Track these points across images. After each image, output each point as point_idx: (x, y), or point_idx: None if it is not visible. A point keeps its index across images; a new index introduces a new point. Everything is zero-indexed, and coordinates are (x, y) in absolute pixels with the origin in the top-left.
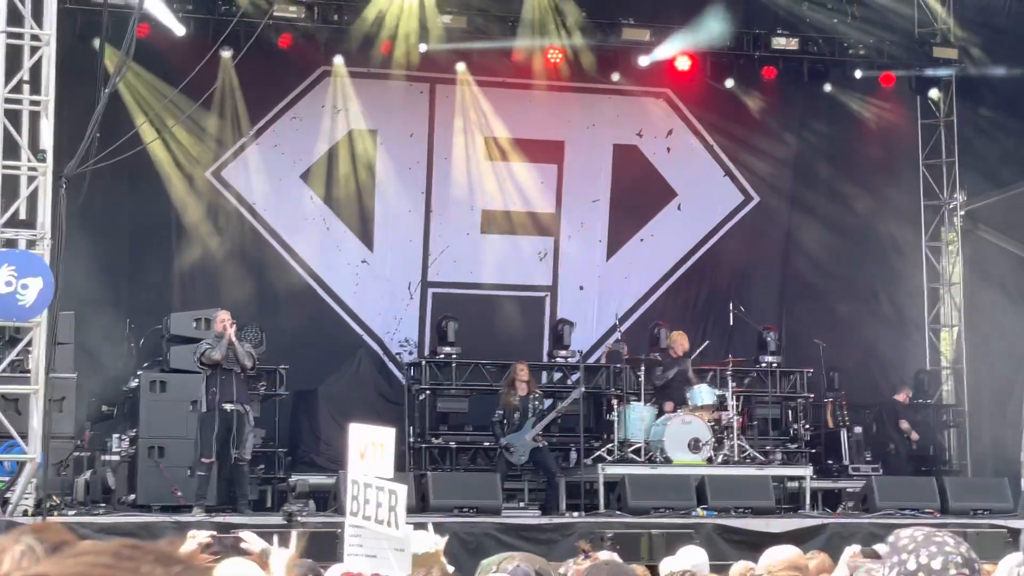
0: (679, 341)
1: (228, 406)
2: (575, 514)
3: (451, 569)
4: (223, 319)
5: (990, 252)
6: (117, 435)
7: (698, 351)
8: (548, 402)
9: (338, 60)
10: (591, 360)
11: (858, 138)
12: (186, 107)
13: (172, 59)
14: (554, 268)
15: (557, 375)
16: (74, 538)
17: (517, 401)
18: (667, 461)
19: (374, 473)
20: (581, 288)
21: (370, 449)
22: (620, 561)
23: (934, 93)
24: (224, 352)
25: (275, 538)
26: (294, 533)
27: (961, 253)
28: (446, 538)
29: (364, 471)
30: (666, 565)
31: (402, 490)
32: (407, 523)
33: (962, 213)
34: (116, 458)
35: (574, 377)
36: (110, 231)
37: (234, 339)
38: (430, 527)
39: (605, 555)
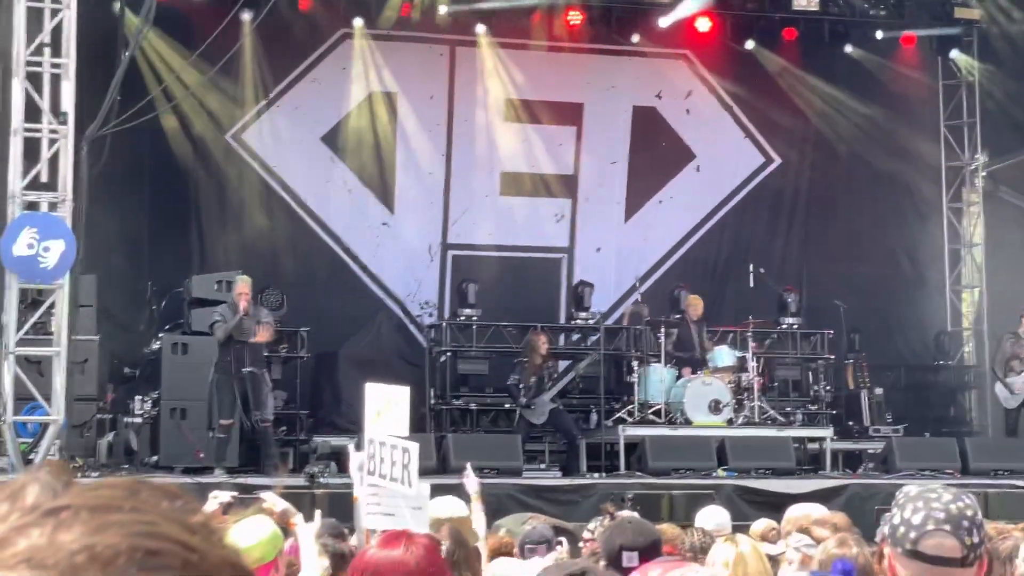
0: (695, 305)
1: (244, 369)
2: (596, 475)
3: (480, 533)
4: (240, 291)
5: (1011, 213)
6: (139, 397)
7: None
8: (563, 364)
9: (358, 22)
10: (607, 322)
11: (879, 99)
12: (206, 70)
13: (192, 22)
14: (571, 230)
15: (575, 336)
16: (74, 476)
17: (533, 369)
18: (687, 422)
19: (390, 432)
20: (598, 250)
21: (386, 408)
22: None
23: (955, 54)
24: (232, 330)
25: (299, 515)
26: (318, 512)
27: (982, 214)
28: (474, 509)
29: (380, 430)
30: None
31: (415, 448)
32: (427, 483)
33: (983, 174)
34: (138, 420)
35: (592, 339)
36: (131, 194)
37: (249, 313)
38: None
39: (627, 515)
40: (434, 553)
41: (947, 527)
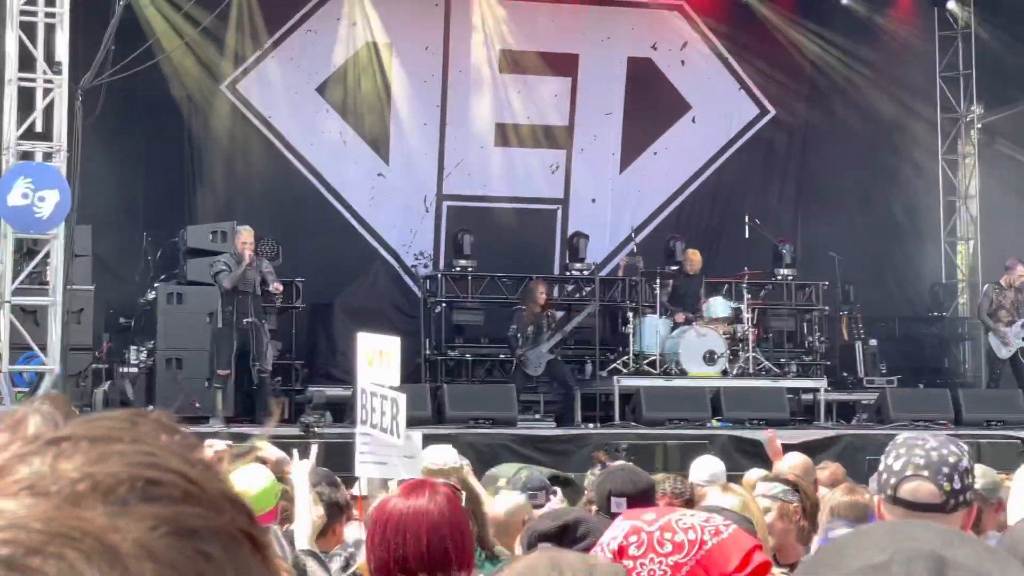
0: (692, 259)
1: (245, 320)
2: (590, 426)
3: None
4: (245, 241)
5: (1007, 165)
6: (135, 347)
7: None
8: (559, 314)
9: None
10: (603, 273)
11: (875, 50)
12: (201, 19)
13: None
14: (566, 181)
15: (570, 287)
16: (73, 408)
17: (531, 317)
18: (682, 373)
19: (382, 381)
20: (593, 201)
21: (377, 358)
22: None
23: (952, 4)
24: (237, 280)
25: (295, 450)
26: (314, 445)
27: (978, 166)
28: (466, 463)
29: (372, 379)
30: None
31: (402, 398)
32: (419, 432)
33: (979, 126)
34: (134, 370)
35: (587, 290)
36: (126, 144)
37: (252, 264)
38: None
39: (619, 464)
40: (455, 502)
41: (925, 472)
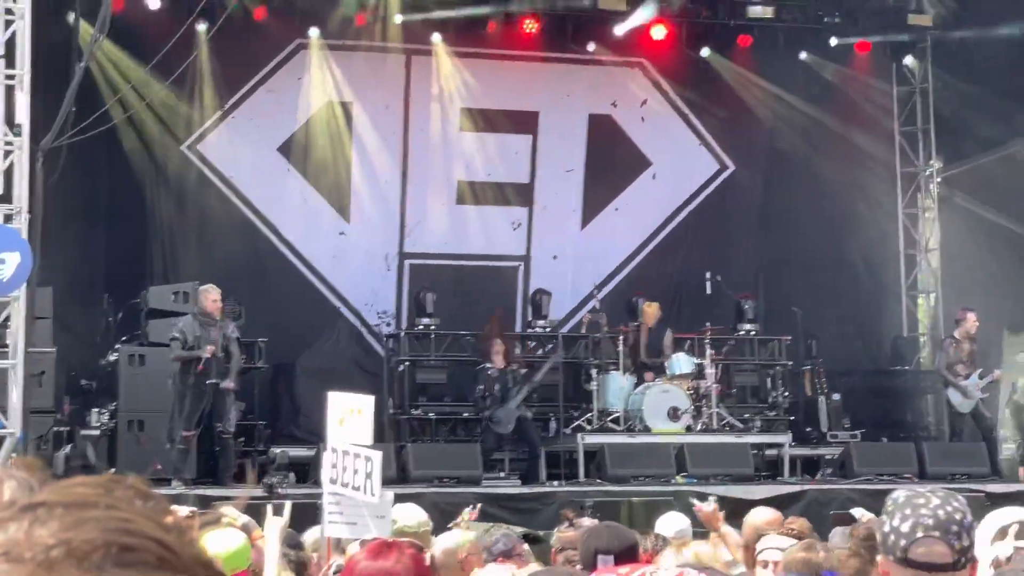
0: (647, 311)
1: (208, 381)
2: (555, 483)
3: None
4: (215, 299)
5: (966, 218)
6: (96, 409)
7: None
8: (523, 370)
9: (313, 32)
10: (564, 329)
11: (834, 106)
12: (162, 81)
13: (147, 32)
14: (528, 238)
15: (532, 344)
16: (49, 474)
17: (495, 374)
18: (646, 430)
19: (353, 440)
20: (555, 258)
21: (349, 416)
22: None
23: (909, 60)
24: (183, 357)
25: (269, 507)
26: (287, 504)
27: (938, 219)
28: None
29: (343, 438)
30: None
31: (377, 456)
32: (390, 492)
33: (938, 180)
34: (96, 432)
35: (550, 347)
36: (87, 205)
37: (203, 326)
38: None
39: (588, 522)
40: (420, 561)
41: (936, 533)
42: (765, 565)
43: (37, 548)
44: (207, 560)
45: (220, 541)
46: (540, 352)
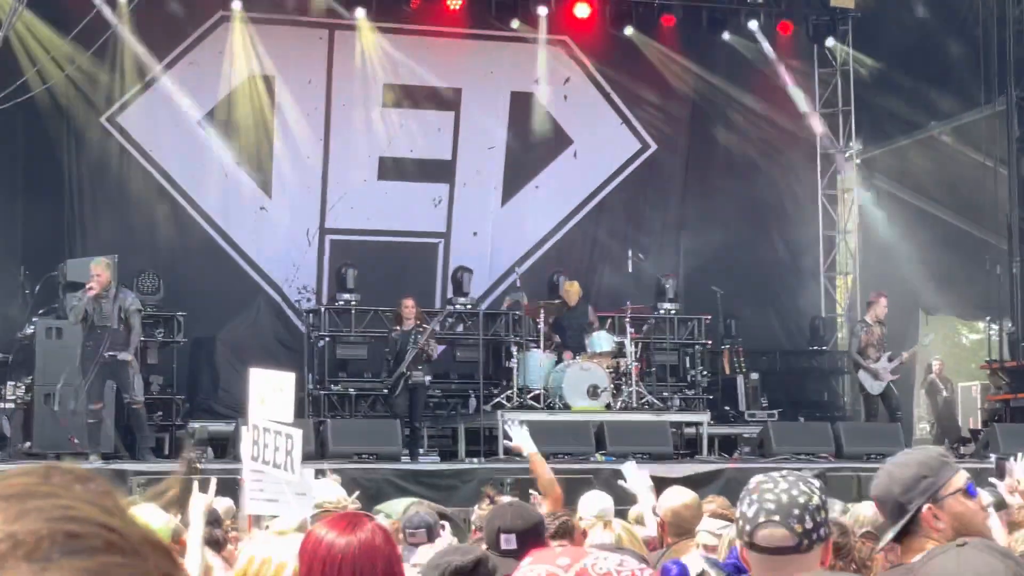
0: (569, 290)
1: (107, 353)
2: (474, 460)
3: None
4: (93, 273)
5: (885, 200)
6: (12, 382)
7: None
8: (440, 348)
9: (236, 5)
10: (483, 306)
11: (755, 87)
12: (82, 52)
13: (67, 3)
14: (448, 214)
15: (451, 321)
16: None
17: (398, 337)
18: (566, 407)
19: (274, 417)
20: (475, 234)
21: (270, 394)
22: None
23: (831, 42)
24: (79, 314)
25: (195, 482)
26: (212, 480)
27: (857, 201)
28: (354, 497)
29: (264, 416)
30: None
31: (298, 434)
32: (310, 468)
33: (858, 161)
34: (11, 405)
35: (470, 323)
36: (4, 177)
37: (103, 302)
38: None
39: (507, 500)
40: (385, 533)
41: (776, 517)
42: (708, 549)
43: None
44: (154, 539)
45: (143, 519)
46: (460, 329)
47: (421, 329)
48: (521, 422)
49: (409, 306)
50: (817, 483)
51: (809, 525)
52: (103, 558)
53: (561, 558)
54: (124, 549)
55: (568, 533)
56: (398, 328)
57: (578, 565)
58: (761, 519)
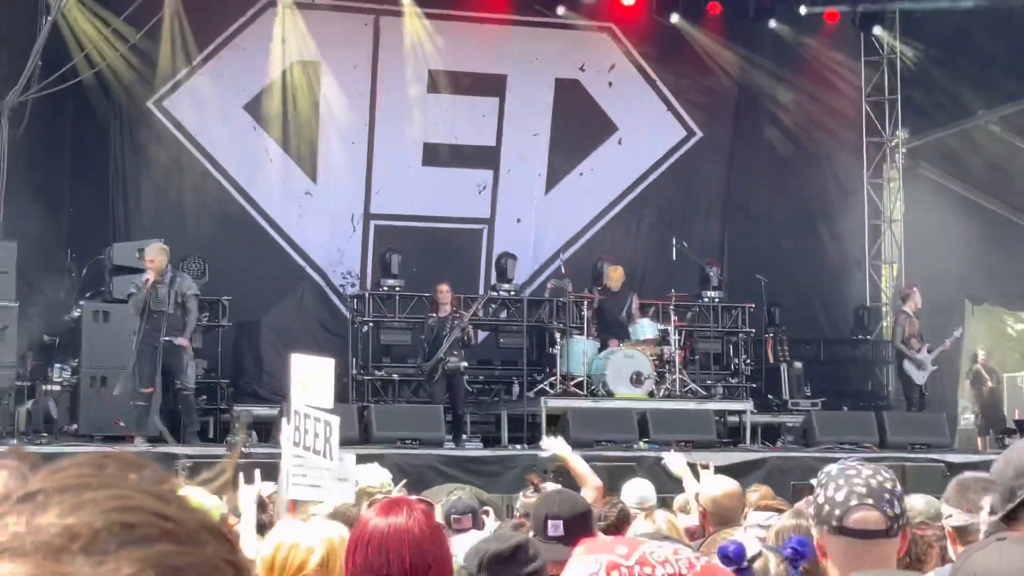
0: (612, 275)
1: (163, 339)
2: (517, 447)
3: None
4: (150, 259)
5: (931, 189)
6: (59, 365)
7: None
8: (483, 335)
9: None
10: (527, 293)
11: (802, 75)
12: (130, 36)
13: None
14: (492, 201)
15: (494, 307)
16: (39, 459)
17: (434, 324)
18: (609, 395)
19: (315, 403)
20: (519, 221)
21: (311, 380)
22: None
23: (878, 30)
24: (139, 304)
25: (240, 473)
26: (256, 470)
27: (902, 190)
28: (401, 485)
29: (305, 401)
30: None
31: (335, 421)
32: (352, 454)
33: (904, 150)
34: (58, 388)
35: (514, 309)
36: (52, 160)
37: (160, 282)
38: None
39: (551, 488)
40: (431, 518)
41: (870, 501)
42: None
43: (40, 538)
44: (212, 525)
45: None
46: (503, 315)
47: (458, 315)
48: (550, 434)
49: (444, 291)
50: (892, 472)
51: (898, 511)
52: (160, 547)
53: (619, 547)
54: (181, 537)
55: (627, 521)
56: (434, 315)
57: (637, 554)
58: (854, 502)
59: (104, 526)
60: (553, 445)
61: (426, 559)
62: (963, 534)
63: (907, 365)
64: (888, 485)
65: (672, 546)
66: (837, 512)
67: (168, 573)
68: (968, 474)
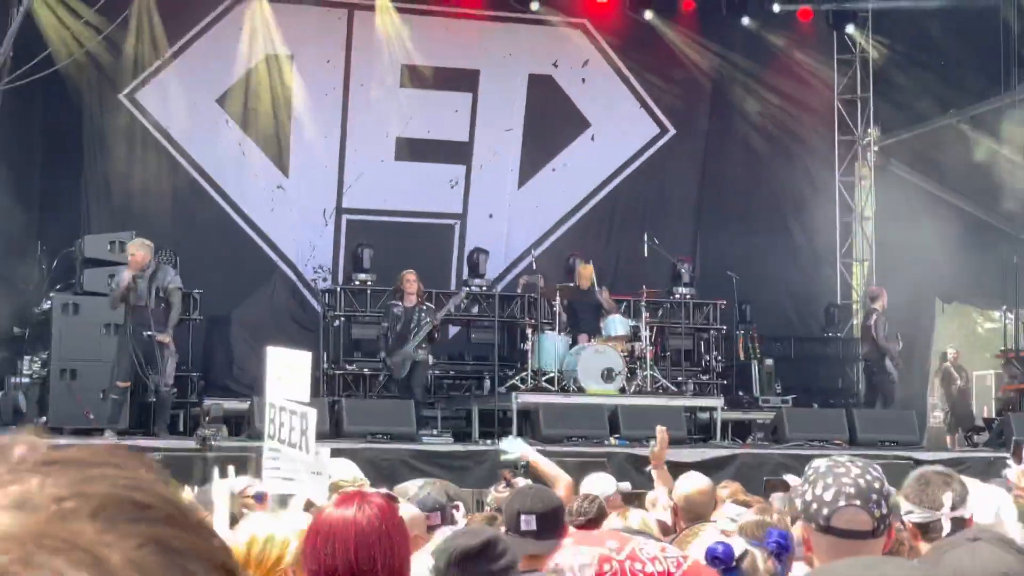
0: (582, 273)
1: (146, 333)
2: (488, 442)
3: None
4: (130, 254)
5: (902, 187)
6: (28, 357)
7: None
8: (454, 330)
9: None
10: (499, 288)
11: (775, 72)
12: (102, 27)
13: None
14: (465, 196)
15: (465, 303)
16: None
17: (400, 312)
18: (580, 390)
19: (291, 396)
20: (491, 216)
21: (287, 373)
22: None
23: (850, 28)
24: (115, 302)
25: (215, 469)
26: (231, 468)
27: (874, 188)
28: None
29: (281, 394)
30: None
31: (312, 413)
32: (327, 447)
33: (876, 148)
34: (27, 380)
35: (485, 305)
36: (22, 152)
37: (133, 282)
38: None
39: (522, 483)
40: (388, 512)
41: (857, 502)
42: (725, 534)
43: (52, 498)
44: (211, 529)
45: None
46: (475, 310)
47: (424, 306)
48: (507, 436)
49: (411, 280)
50: (880, 468)
51: (885, 511)
52: (166, 530)
53: (610, 541)
54: (185, 525)
55: (604, 516)
56: (399, 303)
57: (627, 549)
58: (841, 503)
59: (114, 499)
60: (513, 447)
61: (371, 552)
62: (925, 531)
63: (887, 363)
64: (876, 485)
65: (658, 544)
66: (825, 511)
67: (170, 554)
68: (927, 468)
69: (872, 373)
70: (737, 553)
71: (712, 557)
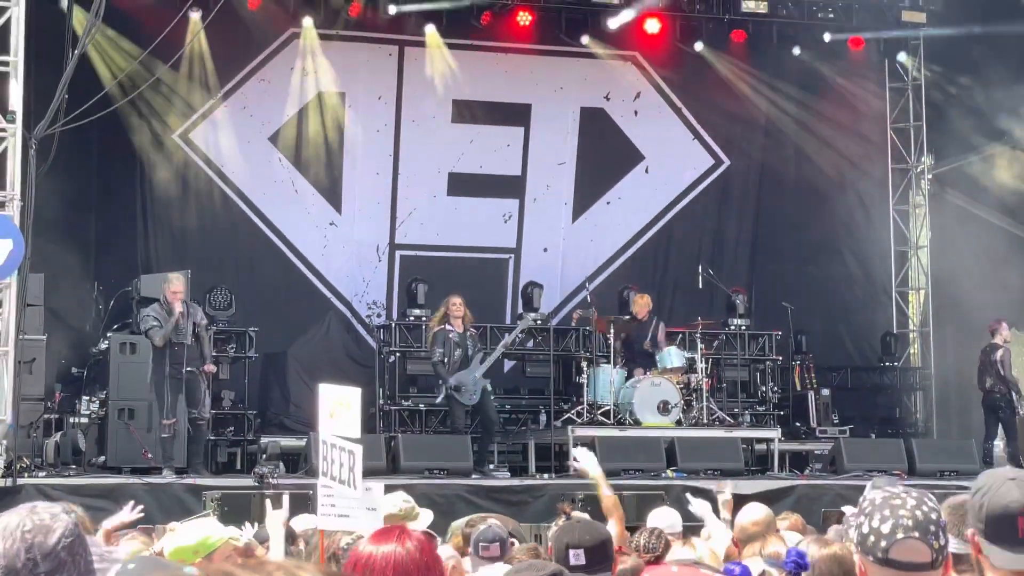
0: (638, 302)
1: (185, 369)
2: (545, 476)
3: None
4: (175, 290)
5: (957, 215)
6: (87, 397)
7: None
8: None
9: (307, 22)
10: (554, 322)
11: (827, 101)
12: (155, 69)
13: (142, 20)
14: (519, 230)
15: (521, 336)
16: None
17: (456, 338)
18: (636, 423)
19: (343, 432)
20: (545, 250)
21: (338, 409)
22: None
23: (902, 56)
24: (168, 334)
25: (268, 500)
26: (285, 496)
27: (928, 216)
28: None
29: (333, 431)
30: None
31: (359, 450)
32: (380, 483)
33: (929, 177)
34: (85, 420)
35: (539, 339)
36: (79, 193)
37: (182, 319)
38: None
39: (581, 516)
40: (426, 546)
41: (916, 534)
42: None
43: None
44: None
45: (197, 531)
46: (530, 344)
47: (470, 332)
48: (584, 445)
49: (457, 303)
50: (935, 500)
51: (943, 541)
52: None
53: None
54: None
55: (668, 550)
56: (452, 328)
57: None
58: (900, 535)
59: None
60: (584, 457)
61: None
62: (958, 561)
63: (1014, 397)
64: (933, 516)
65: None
66: (883, 544)
67: None
68: (963, 497)
69: (999, 408)
70: (755, 574)
71: None
